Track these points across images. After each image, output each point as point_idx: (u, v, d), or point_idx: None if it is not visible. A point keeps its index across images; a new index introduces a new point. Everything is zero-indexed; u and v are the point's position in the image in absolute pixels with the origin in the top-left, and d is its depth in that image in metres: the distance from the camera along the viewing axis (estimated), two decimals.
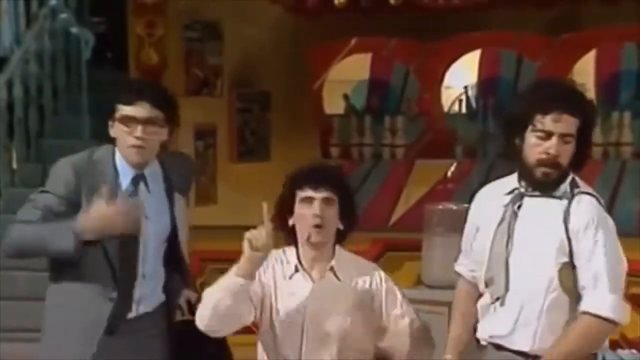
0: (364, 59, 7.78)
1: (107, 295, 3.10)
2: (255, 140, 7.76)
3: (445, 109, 7.73)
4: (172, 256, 3.29)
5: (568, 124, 2.89)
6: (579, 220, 2.82)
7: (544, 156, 2.89)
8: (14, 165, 7.34)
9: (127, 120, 3.11)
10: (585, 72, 7.36)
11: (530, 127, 2.95)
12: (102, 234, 3.00)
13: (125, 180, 3.15)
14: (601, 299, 2.76)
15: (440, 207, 5.13)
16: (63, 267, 3.07)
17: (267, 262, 3.18)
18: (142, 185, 3.15)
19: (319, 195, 3.19)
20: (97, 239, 3.01)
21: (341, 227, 3.23)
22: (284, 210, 3.24)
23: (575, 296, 2.81)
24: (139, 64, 7.20)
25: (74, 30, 7.74)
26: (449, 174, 7.41)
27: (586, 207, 2.83)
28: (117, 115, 3.13)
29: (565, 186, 2.89)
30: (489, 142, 7.46)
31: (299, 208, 3.20)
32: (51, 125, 7.76)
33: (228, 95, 7.71)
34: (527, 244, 2.90)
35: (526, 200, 2.93)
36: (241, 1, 7.41)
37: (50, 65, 7.85)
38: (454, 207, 4.86)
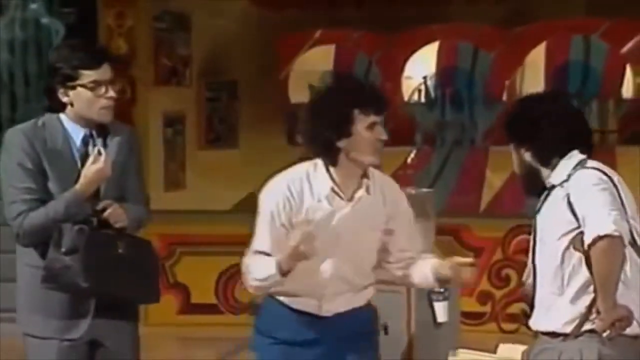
0: (328, 50, 8.04)
1: None
2: (223, 127, 7.99)
3: (406, 98, 8.03)
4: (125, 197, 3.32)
5: None
6: (576, 191, 2.91)
7: None
8: None
9: (97, 84, 3.19)
10: (536, 63, 7.71)
11: None
12: (93, 188, 3.20)
13: (77, 139, 3.25)
14: (597, 223, 2.84)
15: None
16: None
17: (291, 183, 3.15)
18: (90, 143, 3.25)
19: (381, 119, 3.13)
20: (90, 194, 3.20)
21: None
22: (334, 128, 3.11)
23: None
24: None
25: (45, 20, 7.92)
26: (409, 160, 7.73)
27: (578, 179, 2.95)
28: (82, 81, 3.19)
29: (563, 171, 2.97)
30: (446, 130, 7.81)
31: (363, 133, 3.09)
32: (23, 111, 7.94)
33: (197, 84, 7.93)
34: (543, 240, 2.99)
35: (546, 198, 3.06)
36: None
37: (22, 53, 8.02)
38: (413, 192, 5.12)
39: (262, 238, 3.17)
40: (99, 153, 3.19)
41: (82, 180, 3.19)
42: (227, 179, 7.65)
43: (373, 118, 3.12)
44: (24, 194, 3.19)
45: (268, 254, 3.14)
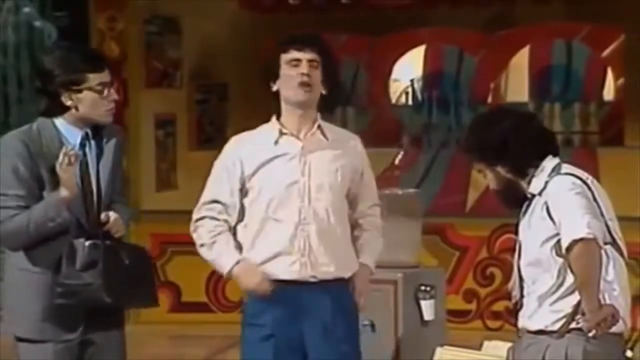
0: None
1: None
2: (213, 129, 8.08)
3: (393, 100, 8.17)
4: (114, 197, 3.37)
5: None
6: (552, 197, 2.99)
7: None
8: None
9: (104, 86, 3.23)
10: (519, 66, 7.85)
11: None
12: (73, 189, 3.19)
13: (73, 143, 3.25)
14: (571, 227, 2.91)
15: (387, 192, 5.53)
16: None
17: (240, 142, 3.35)
18: (87, 145, 3.27)
19: (305, 56, 3.24)
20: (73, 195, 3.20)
21: (323, 91, 3.28)
22: (269, 77, 3.31)
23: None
24: None
25: (37, 23, 8.01)
26: (397, 161, 7.86)
27: (554, 185, 3.00)
28: (90, 84, 3.21)
29: (541, 180, 3.04)
30: (433, 132, 7.95)
31: (285, 70, 3.25)
32: (16, 114, 8.02)
33: (187, 86, 8.01)
34: (527, 248, 3.06)
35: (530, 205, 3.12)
36: None
37: (15, 56, 8.11)
38: (400, 192, 5.24)
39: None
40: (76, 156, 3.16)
41: (61, 180, 3.15)
42: None
43: (293, 54, 3.25)
44: (12, 201, 3.19)
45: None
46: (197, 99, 8.04)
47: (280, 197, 3.26)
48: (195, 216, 3.40)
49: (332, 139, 3.31)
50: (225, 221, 3.34)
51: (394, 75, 8.03)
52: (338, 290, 3.29)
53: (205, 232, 3.35)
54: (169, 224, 7.45)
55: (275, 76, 3.29)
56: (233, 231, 3.36)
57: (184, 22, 7.90)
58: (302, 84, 3.24)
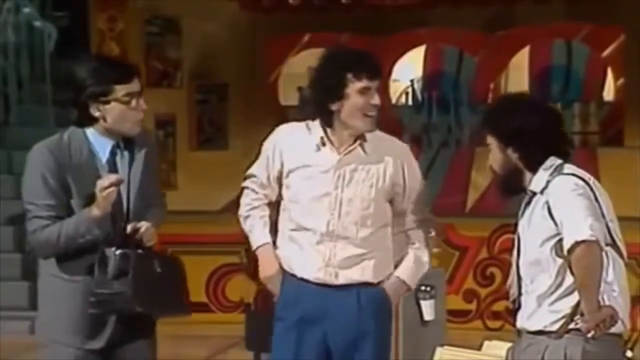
0: (317, 52, 8.11)
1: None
2: (213, 129, 8.10)
3: (393, 100, 8.17)
4: (150, 201, 3.40)
5: None
6: (554, 197, 2.99)
7: None
8: None
9: (131, 97, 3.24)
10: (520, 67, 7.86)
11: None
12: (106, 210, 3.21)
13: (103, 153, 3.28)
14: (573, 229, 2.92)
15: None
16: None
17: (285, 135, 3.32)
18: (118, 154, 3.28)
19: (375, 84, 3.22)
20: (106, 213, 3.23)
21: None
22: (328, 92, 3.22)
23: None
24: None
25: (38, 23, 8.04)
26: None
27: (556, 185, 3.00)
28: (116, 95, 3.22)
29: (542, 178, 3.03)
30: (433, 132, 7.97)
31: (355, 97, 3.20)
32: (16, 114, 8.06)
33: (187, 86, 8.02)
34: (526, 247, 3.06)
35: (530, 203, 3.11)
36: None
37: (15, 56, 8.14)
38: None
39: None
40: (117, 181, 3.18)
41: (98, 200, 3.18)
42: (218, 180, 7.76)
43: (366, 83, 3.21)
44: (43, 210, 3.22)
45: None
46: (197, 99, 8.05)
47: (310, 206, 3.28)
48: (242, 184, 3.47)
49: (370, 153, 3.29)
50: (265, 195, 3.40)
51: (394, 75, 8.03)
52: (365, 293, 3.30)
53: (243, 204, 3.43)
54: (169, 224, 7.37)
55: (337, 96, 3.23)
56: (277, 212, 3.40)
57: (184, 22, 7.92)
58: (370, 115, 3.23)
